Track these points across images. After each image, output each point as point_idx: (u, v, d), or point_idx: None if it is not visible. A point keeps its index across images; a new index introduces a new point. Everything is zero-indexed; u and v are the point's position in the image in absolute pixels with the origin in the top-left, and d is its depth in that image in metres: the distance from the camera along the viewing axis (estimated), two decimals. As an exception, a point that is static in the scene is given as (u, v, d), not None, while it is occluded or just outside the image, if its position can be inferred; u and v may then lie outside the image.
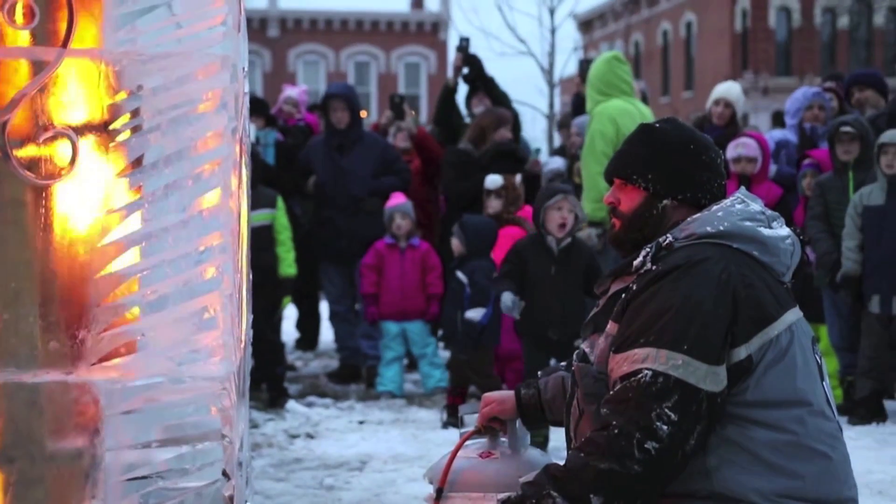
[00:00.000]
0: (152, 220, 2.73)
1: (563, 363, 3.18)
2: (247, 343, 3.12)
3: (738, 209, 2.73)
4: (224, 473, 2.79)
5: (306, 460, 5.84)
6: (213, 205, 2.79)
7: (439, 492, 2.88)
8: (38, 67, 2.64)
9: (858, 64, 34.82)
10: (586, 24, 46.97)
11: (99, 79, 2.70)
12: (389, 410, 7.20)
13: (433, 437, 6.30)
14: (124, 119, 2.72)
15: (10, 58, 2.64)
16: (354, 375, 8.27)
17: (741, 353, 2.58)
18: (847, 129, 6.93)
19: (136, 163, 2.74)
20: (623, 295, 2.72)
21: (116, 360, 2.69)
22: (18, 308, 2.65)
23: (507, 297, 6.07)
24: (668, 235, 2.71)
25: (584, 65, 9.05)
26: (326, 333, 9.59)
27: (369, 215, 8.07)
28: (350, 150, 8.14)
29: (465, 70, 8.86)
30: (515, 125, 8.47)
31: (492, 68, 9.03)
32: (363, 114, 9.11)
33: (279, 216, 7.62)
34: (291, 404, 7.24)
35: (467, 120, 8.90)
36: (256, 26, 41.24)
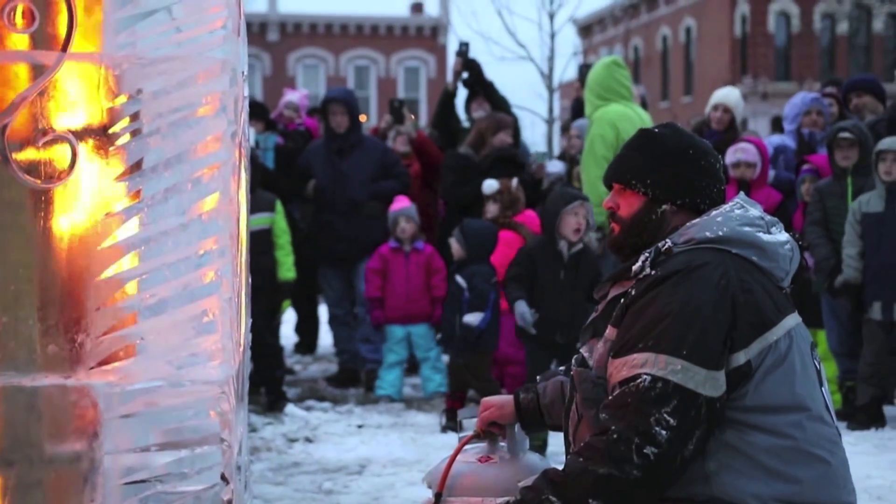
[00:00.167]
0: (151, 224, 2.73)
1: (562, 367, 3.18)
2: (246, 347, 3.12)
3: (738, 214, 2.73)
4: (223, 477, 2.79)
5: (305, 464, 5.84)
6: (213, 208, 2.79)
7: (438, 496, 2.88)
8: (38, 71, 2.64)
9: (857, 69, 34.85)
10: (586, 29, 47.00)
11: (98, 82, 2.70)
12: (388, 414, 7.20)
13: (432, 441, 6.30)
14: (124, 123, 2.72)
15: (9, 61, 2.64)
16: (353, 379, 8.27)
17: (740, 358, 2.58)
18: (846, 134, 6.94)
19: (136, 166, 2.74)
20: (622, 300, 2.72)
21: (115, 364, 2.69)
22: (17, 311, 2.64)
23: (525, 312, 6.11)
24: (668, 240, 2.71)
25: (585, 69, 9.04)
26: (325, 337, 9.59)
27: (369, 219, 8.07)
28: (349, 154, 8.14)
29: (465, 74, 8.87)
30: (516, 130, 8.47)
31: (491, 73, 9.05)
32: (363, 118, 9.12)
33: (278, 220, 7.63)
34: (290, 408, 7.24)
35: (466, 124, 8.91)
36: (256, 30, 41.27)
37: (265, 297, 6.98)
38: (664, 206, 2.80)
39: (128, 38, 2.73)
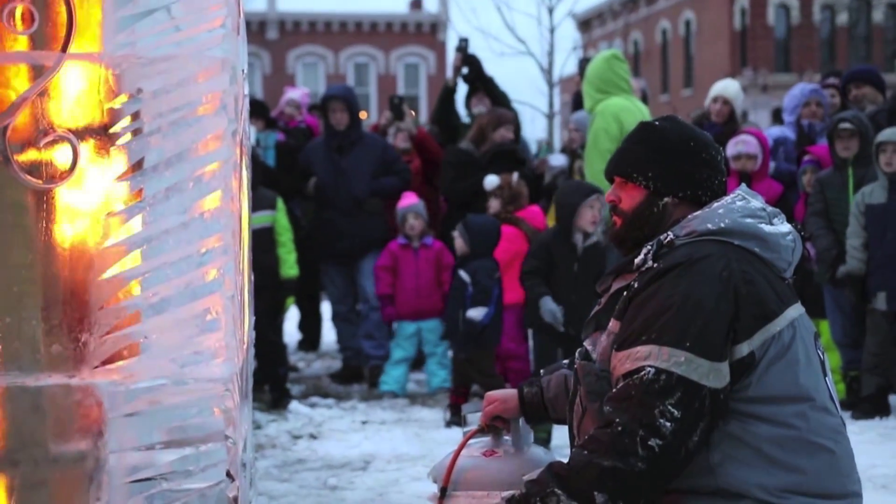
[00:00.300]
0: (153, 223, 2.73)
1: (565, 361, 3.19)
2: (249, 344, 3.13)
3: (739, 206, 2.73)
4: (228, 474, 2.79)
5: (309, 461, 5.85)
6: (214, 207, 2.79)
7: (443, 491, 2.88)
8: (38, 72, 2.64)
9: (857, 61, 34.82)
10: (585, 24, 46.97)
11: (99, 82, 2.70)
12: (392, 410, 7.20)
13: (436, 437, 6.31)
14: (124, 122, 2.72)
15: (10, 62, 2.64)
16: (357, 376, 8.27)
17: (743, 349, 2.58)
18: (846, 125, 6.93)
19: (137, 166, 2.74)
20: (625, 293, 2.72)
21: (119, 363, 2.70)
22: (21, 312, 2.65)
23: (554, 308, 6.12)
24: (669, 233, 2.72)
25: (585, 64, 9.03)
26: (328, 334, 9.60)
27: (370, 216, 8.08)
28: (350, 151, 8.14)
29: (465, 70, 8.87)
30: (517, 125, 8.47)
31: (491, 68, 9.05)
32: (363, 115, 9.12)
33: (280, 218, 7.63)
34: (294, 405, 7.25)
35: (466, 120, 8.91)
36: (255, 28, 41.26)
37: (268, 294, 6.99)
38: (666, 199, 2.80)
39: (127, 38, 2.73)
